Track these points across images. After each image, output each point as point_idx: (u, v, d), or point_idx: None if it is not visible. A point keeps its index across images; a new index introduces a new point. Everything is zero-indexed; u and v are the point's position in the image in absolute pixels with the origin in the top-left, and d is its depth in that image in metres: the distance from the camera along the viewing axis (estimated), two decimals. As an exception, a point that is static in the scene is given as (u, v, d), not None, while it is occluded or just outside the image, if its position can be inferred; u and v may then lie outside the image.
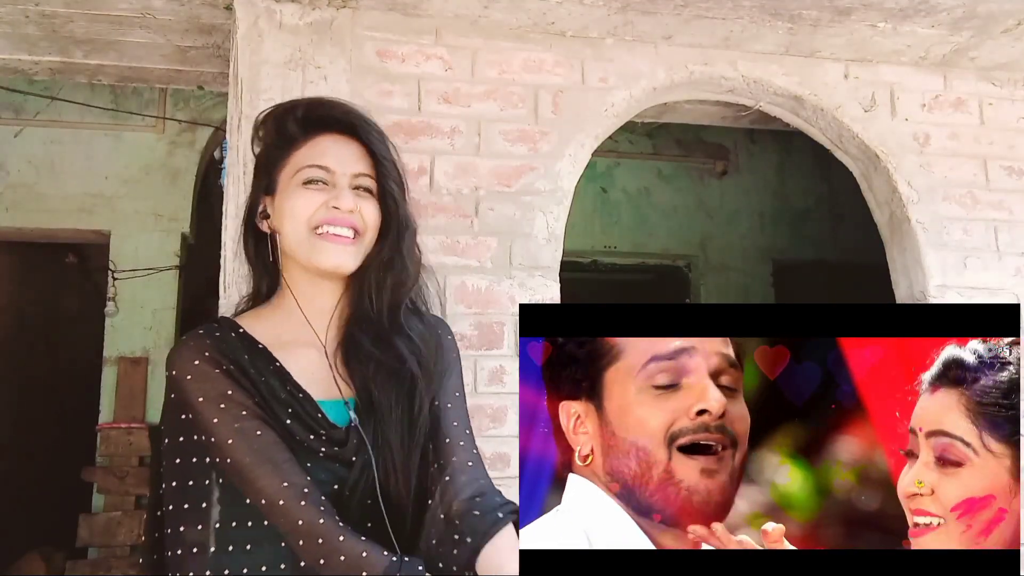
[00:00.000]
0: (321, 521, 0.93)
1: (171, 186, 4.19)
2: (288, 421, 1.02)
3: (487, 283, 1.77)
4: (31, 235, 4.20)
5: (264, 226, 1.12)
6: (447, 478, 1.03)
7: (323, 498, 0.97)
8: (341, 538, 0.92)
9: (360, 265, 1.10)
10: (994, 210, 2.04)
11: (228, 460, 0.98)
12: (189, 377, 1.01)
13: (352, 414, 1.06)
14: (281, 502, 0.94)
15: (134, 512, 3.84)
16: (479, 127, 1.83)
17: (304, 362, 1.08)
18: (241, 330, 1.08)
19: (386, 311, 1.10)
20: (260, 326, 1.10)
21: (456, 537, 0.96)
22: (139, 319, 4.06)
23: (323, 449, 1.02)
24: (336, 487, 1.02)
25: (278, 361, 1.06)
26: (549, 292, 1.79)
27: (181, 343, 1.05)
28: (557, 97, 1.88)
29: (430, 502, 1.02)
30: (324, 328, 1.12)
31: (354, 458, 1.03)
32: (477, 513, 0.97)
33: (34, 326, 4.98)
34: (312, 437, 1.02)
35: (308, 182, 1.07)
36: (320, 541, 0.92)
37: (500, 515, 0.96)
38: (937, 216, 2.00)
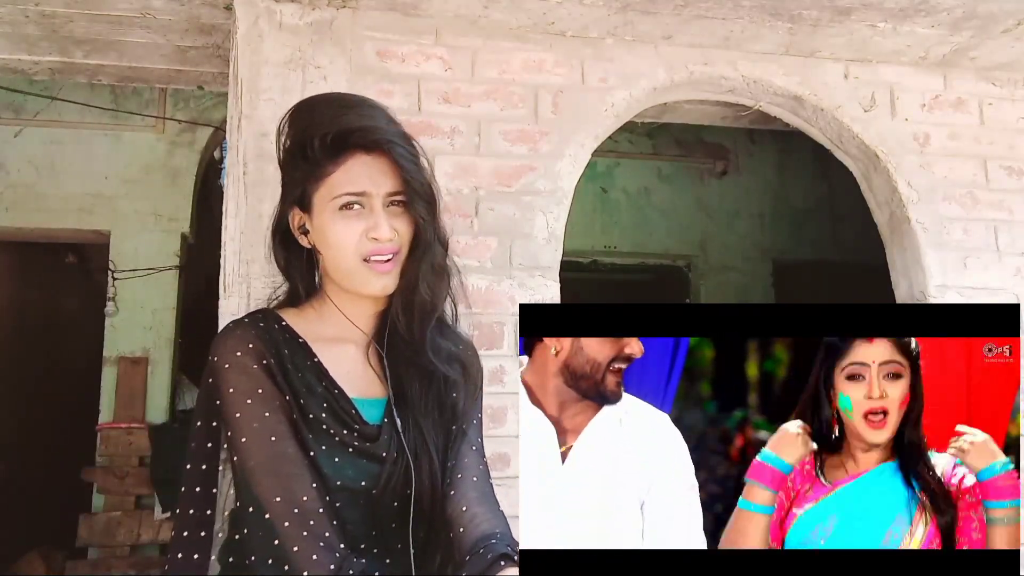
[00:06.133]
0: (296, 546, 0.96)
1: (171, 186, 4.18)
2: (323, 415, 1.05)
3: (487, 283, 1.77)
4: (31, 235, 4.19)
5: (304, 241, 1.14)
6: (463, 508, 1.05)
7: (319, 512, 0.98)
8: (314, 556, 0.95)
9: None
10: (994, 210, 2.04)
11: (235, 458, 1.01)
12: (227, 366, 1.03)
13: (384, 413, 1.10)
14: (267, 515, 0.98)
15: (134, 512, 3.84)
16: (479, 127, 1.83)
17: (343, 359, 1.11)
18: (284, 323, 1.11)
19: (416, 329, 1.11)
20: (302, 322, 1.13)
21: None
22: (139, 319, 4.05)
23: (355, 443, 1.06)
24: (364, 483, 1.05)
25: (316, 357, 1.09)
26: (549, 292, 1.79)
27: (227, 330, 1.08)
28: (557, 97, 1.88)
29: (451, 526, 1.05)
30: (365, 327, 1.15)
31: (384, 454, 1.06)
32: (481, 551, 0.98)
33: (34, 326, 4.97)
34: (345, 432, 1.06)
35: (345, 207, 1.08)
36: (295, 550, 0.96)
37: (503, 563, 0.96)
38: (937, 216, 2.00)
